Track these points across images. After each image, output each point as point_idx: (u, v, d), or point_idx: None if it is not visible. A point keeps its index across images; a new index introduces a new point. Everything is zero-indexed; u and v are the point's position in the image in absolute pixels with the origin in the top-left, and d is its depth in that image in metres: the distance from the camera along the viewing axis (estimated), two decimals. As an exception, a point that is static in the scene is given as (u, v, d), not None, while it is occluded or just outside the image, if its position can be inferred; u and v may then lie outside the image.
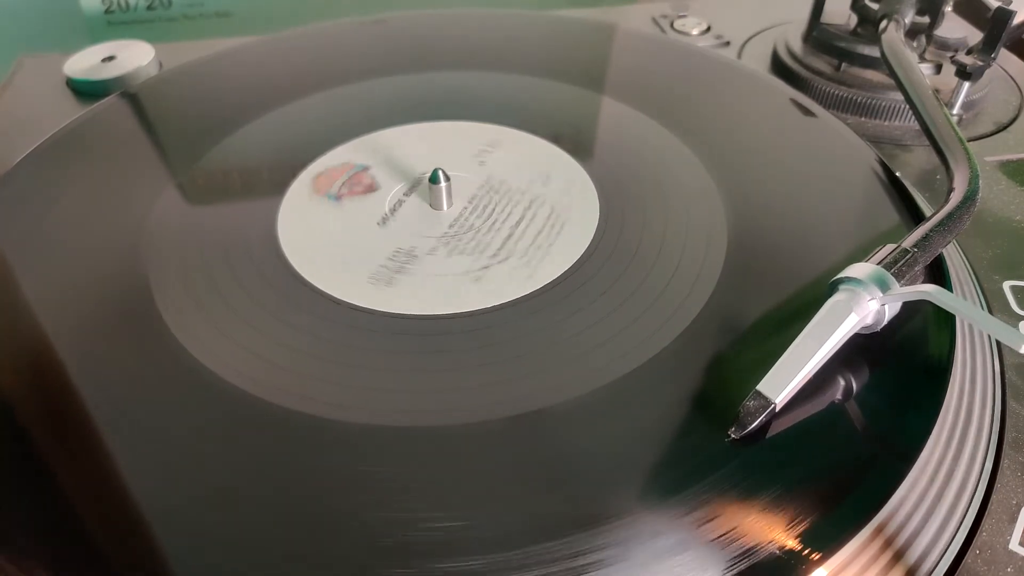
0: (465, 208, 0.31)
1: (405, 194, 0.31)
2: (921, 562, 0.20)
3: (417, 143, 0.34)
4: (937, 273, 0.26)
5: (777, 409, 0.21)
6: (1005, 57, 0.45)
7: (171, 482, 0.21)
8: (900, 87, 0.34)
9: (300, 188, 0.32)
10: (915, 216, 0.29)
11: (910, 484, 0.21)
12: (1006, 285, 0.30)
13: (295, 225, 0.30)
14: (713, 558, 0.19)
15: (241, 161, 0.33)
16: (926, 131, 0.31)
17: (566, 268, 0.27)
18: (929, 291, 0.22)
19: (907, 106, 0.34)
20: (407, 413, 0.22)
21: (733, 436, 0.21)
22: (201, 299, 0.26)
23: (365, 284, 0.27)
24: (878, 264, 0.23)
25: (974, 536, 0.22)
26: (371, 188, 0.27)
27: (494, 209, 0.31)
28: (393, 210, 0.31)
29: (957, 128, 0.30)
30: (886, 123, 0.40)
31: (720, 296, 0.26)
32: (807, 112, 0.36)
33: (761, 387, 0.21)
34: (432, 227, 0.30)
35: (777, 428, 0.22)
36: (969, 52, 0.39)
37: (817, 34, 0.43)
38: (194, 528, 0.19)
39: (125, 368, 0.24)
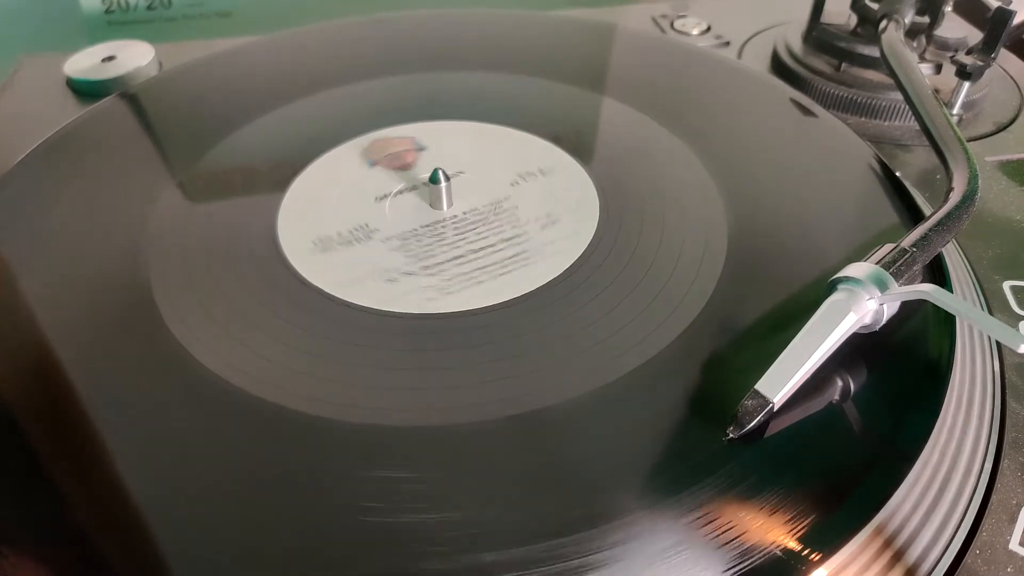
0: (465, 208, 0.31)
1: (406, 193, 0.32)
2: (921, 562, 0.20)
3: (424, 142, 0.34)
4: (937, 273, 0.26)
5: (775, 408, 0.21)
6: (1005, 57, 0.45)
7: (171, 483, 0.21)
8: (900, 87, 0.34)
9: (301, 187, 0.32)
10: (915, 216, 0.29)
11: (910, 484, 0.21)
12: (1006, 285, 0.30)
13: (296, 224, 0.30)
14: (713, 559, 0.19)
15: (241, 161, 0.33)
16: (926, 131, 0.31)
17: (566, 267, 0.27)
18: (927, 291, 0.22)
19: (907, 106, 0.34)
20: (407, 413, 0.22)
21: (731, 435, 0.21)
22: (201, 299, 0.26)
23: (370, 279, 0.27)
24: (877, 263, 0.23)
25: (974, 536, 0.22)
26: (407, 167, 0.27)
27: (494, 209, 0.31)
28: (398, 195, 0.31)
29: (956, 128, 0.30)
30: (886, 123, 0.40)
31: (720, 296, 0.26)
32: (807, 112, 0.36)
33: (759, 386, 0.21)
34: (428, 221, 0.30)
35: (777, 428, 0.22)
36: (969, 52, 0.39)
37: (817, 34, 0.43)
38: (194, 529, 0.19)
39: (125, 369, 0.24)
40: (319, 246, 0.29)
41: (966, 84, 0.39)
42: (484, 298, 0.26)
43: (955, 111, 0.40)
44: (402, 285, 0.27)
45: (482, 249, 0.29)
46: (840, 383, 0.23)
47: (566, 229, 0.29)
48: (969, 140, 0.37)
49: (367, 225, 0.30)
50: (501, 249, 0.29)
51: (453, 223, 0.30)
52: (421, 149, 0.27)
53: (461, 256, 0.28)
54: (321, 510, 0.20)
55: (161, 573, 0.19)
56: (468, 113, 0.36)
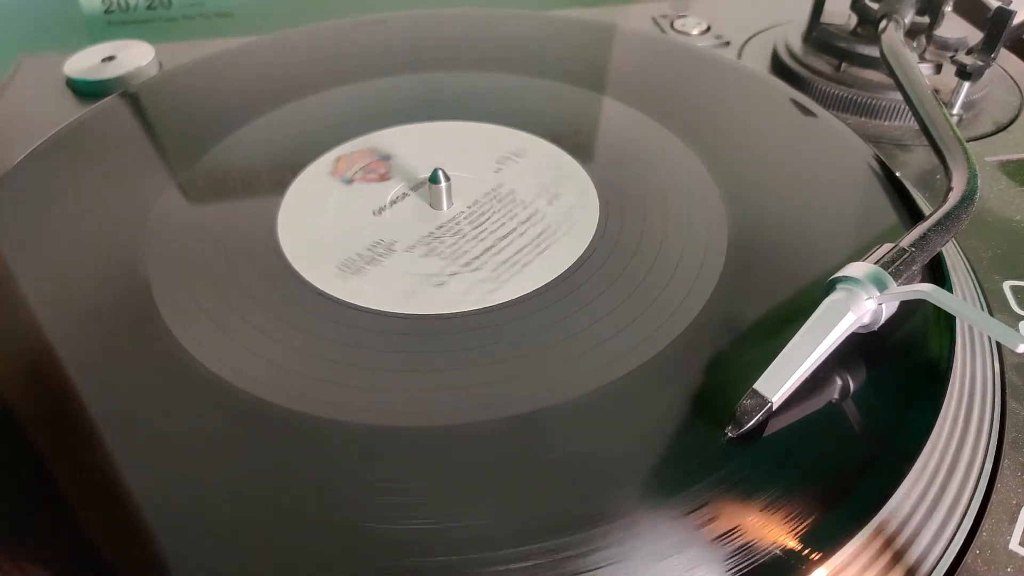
0: (464, 208, 0.31)
1: (406, 192, 0.32)
2: (921, 562, 0.20)
3: (417, 143, 0.34)
4: (937, 272, 0.26)
5: (774, 408, 0.21)
6: (1005, 57, 0.45)
7: (170, 483, 0.21)
8: (900, 87, 0.34)
9: (300, 188, 0.32)
10: (915, 216, 0.29)
11: (910, 484, 0.21)
12: (1006, 285, 0.30)
13: (295, 224, 0.30)
14: (713, 558, 0.19)
15: (241, 161, 0.33)
16: (925, 131, 0.31)
17: (566, 267, 0.27)
18: (926, 290, 0.22)
19: (907, 106, 0.34)
20: (406, 414, 0.22)
21: (730, 435, 0.21)
22: (200, 299, 0.26)
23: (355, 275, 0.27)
24: (876, 263, 0.23)
25: (974, 536, 0.22)
26: (384, 177, 0.27)
27: (493, 208, 0.31)
28: (393, 204, 0.31)
29: (956, 128, 0.30)
30: (886, 123, 0.40)
31: (719, 296, 0.26)
32: (807, 112, 0.36)
33: (758, 386, 0.21)
34: (431, 221, 0.30)
35: (776, 428, 0.21)
36: (969, 52, 0.39)
37: (817, 34, 0.43)
38: (194, 529, 0.19)
39: (125, 368, 0.24)
40: (347, 269, 0.28)
41: (966, 84, 0.39)
42: (482, 299, 0.26)
43: (955, 111, 0.40)
44: (452, 286, 0.27)
45: (508, 235, 0.29)
46: (839, 383, 0.23)
47: (565, 229, 0.29)
48: (969, 140, 0.37)
49: (382, 240, 0.29)
50: (502, 249, 0.29)
51: (465, 219, 0.30)
52: (387, 158, 0.27)
53: (492, 246, 0.28)
54: (322, 511, 0.20)
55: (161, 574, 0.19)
56: (468, 113, 0.36)
